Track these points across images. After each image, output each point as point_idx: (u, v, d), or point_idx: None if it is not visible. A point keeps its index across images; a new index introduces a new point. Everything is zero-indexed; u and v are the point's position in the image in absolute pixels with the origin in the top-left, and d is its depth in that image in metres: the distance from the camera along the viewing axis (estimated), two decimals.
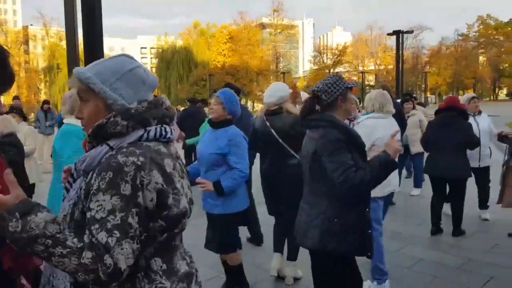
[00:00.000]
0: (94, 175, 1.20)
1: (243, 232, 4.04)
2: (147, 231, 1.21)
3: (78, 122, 2.82)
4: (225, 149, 3.06)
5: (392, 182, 3.57)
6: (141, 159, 1.19)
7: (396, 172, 3.22)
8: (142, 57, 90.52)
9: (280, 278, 3.82)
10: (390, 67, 55.13)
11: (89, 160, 1.26)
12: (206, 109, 8.99)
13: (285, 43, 70.39)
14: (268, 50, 62.60)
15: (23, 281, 1.53)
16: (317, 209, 2.34)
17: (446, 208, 5.46)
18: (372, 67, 64.11)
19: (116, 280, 1.14)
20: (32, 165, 5.33)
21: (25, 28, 64.78)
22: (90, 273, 1.10)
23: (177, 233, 1.32)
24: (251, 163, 4.92)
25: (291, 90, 3.85)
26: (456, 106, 5.04)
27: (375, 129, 3.49)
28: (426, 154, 5.55)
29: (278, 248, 3.84)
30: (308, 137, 2.48)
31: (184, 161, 1.58)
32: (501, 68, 67.80)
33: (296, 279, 3.77)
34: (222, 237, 3.23)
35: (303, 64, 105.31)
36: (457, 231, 4.98)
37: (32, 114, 27.41)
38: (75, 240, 1.12)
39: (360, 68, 61.12)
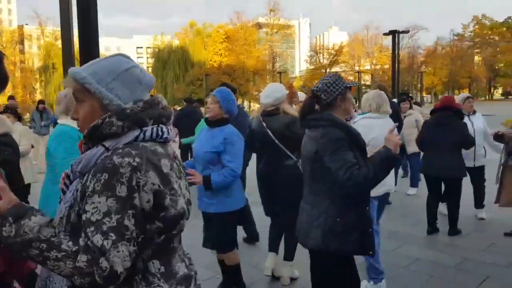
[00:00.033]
0: (90, 176, 1.18)
1: (239, 232, 4.04)
2: (144, 233, 1.19)
3: (72, 123, 2.82)
4: (220, 147, 3.05)
5: (387, 182, 3.56)
6: (137, 159, 1.18)
7: (391, 172, 3.23)
8: (138, 57, 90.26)
9: (275, 278, 3.82)
10: (386, 66, 55.16)
11: (84, 162, 1.24)
12: (202, 109, 8.97)
13: (281, 43, 70.43)
14: (264, 49, 62.57)
15: (16, 285, 1.52)
16: (319, 209, 2.33)
17: (442, 208, 5.48)
18: (368, 67, 64.19)
19: (113, 283, 1.12)
20: (28, 165, 5.31)
21: (20, 27, 64.45)
22: (86, 277, 1.09)
23: (175, 234, 1.31)
24: (246, 164, 4.92)
25: (287, 91, 3.86)
26: (452, 106, 5.06)
27: (371, 129, 3.49)
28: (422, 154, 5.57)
29: (273, 248, 3.84)
30: (307, 137, 2.47)
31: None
32: (496, 67, 68.14)
33: (292, 279, 3.77)
34: (219, 236, 3.22)
35: (300, 64, 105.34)
36: (453, 231, 5.00)
37: (28, 114, 27.27)
38: (70, 243, 1.11)
39: (356, 68, 61.17)
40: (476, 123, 5.44)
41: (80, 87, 1.27)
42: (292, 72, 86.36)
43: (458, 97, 5.84)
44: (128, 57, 1.36)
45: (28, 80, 56.65)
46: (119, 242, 1.11)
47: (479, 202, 5.62)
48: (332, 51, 64.64)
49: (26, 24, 64.01)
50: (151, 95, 1.36)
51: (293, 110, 3.82)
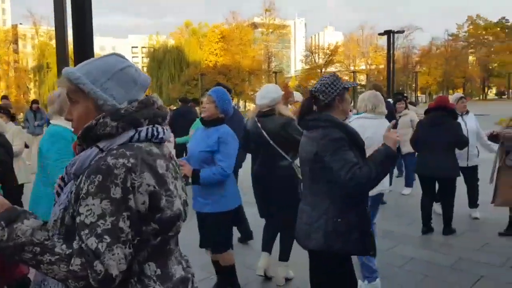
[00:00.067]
0: (84, 178, 1.16)
1: (233, 233, 4.03)
2: (140, 235, 1.18)
3: (66, 123, 2.78)
4: (214, 146, 3.04)
5: (382, 182, 3.57)
6: (132, 160, 1.16)
7: None
8: (133, 57, 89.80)
9: (267, 278, 3.81)
10: (381, 66, 55.34)
11: (78, 163, 1.22)
12: (197, 109, 8.96)
13: (277, 42, 70.45)
14: (260, 49, 62.56)
15: None
16: (319, 210, 2.33)
17: (437, 207, 5.50)
18: (363, 67, 64.36)
19: (108, 286, 1.10)
20: (21, 166, 5.28)
21: (15, 27, 63.98)
22: (80, 280, 1.08)
23: (171, 236, 1.29)
24: (239, 165, 4.91)
25: (283, 92, 3.85)
26: (446, 106, 5.08)
27: (365, 129, 3.49)
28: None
29: (266, 248, 3.83)
30: (306, 138, 2.46)
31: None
32: (490, 67, 68.58)
33: (287, 280, 3.77)
34: (213, 236, 3.21)
35: (295, 64, 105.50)
36: (448, 230, 5.02)
37: (21, 113, 27.08)
38: (64, 246, 1.09)
39: (352, 68, 61.28)
40: (469, 123, 5.47)
41: (74, 87, 1.25)
42: (287, 72, 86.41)
43: (452, 97, 5.88)
44: (123, 57, 1.35)
45: (22, 80, 56.29)
46: (114, 244, 1.09)
47: (473, 202, 5.65)
48: (328, 51, 64.81)
49: (20, 24, 63.62)
50: (146, 95, 1.35)
51: (288, 111, 3.82)
